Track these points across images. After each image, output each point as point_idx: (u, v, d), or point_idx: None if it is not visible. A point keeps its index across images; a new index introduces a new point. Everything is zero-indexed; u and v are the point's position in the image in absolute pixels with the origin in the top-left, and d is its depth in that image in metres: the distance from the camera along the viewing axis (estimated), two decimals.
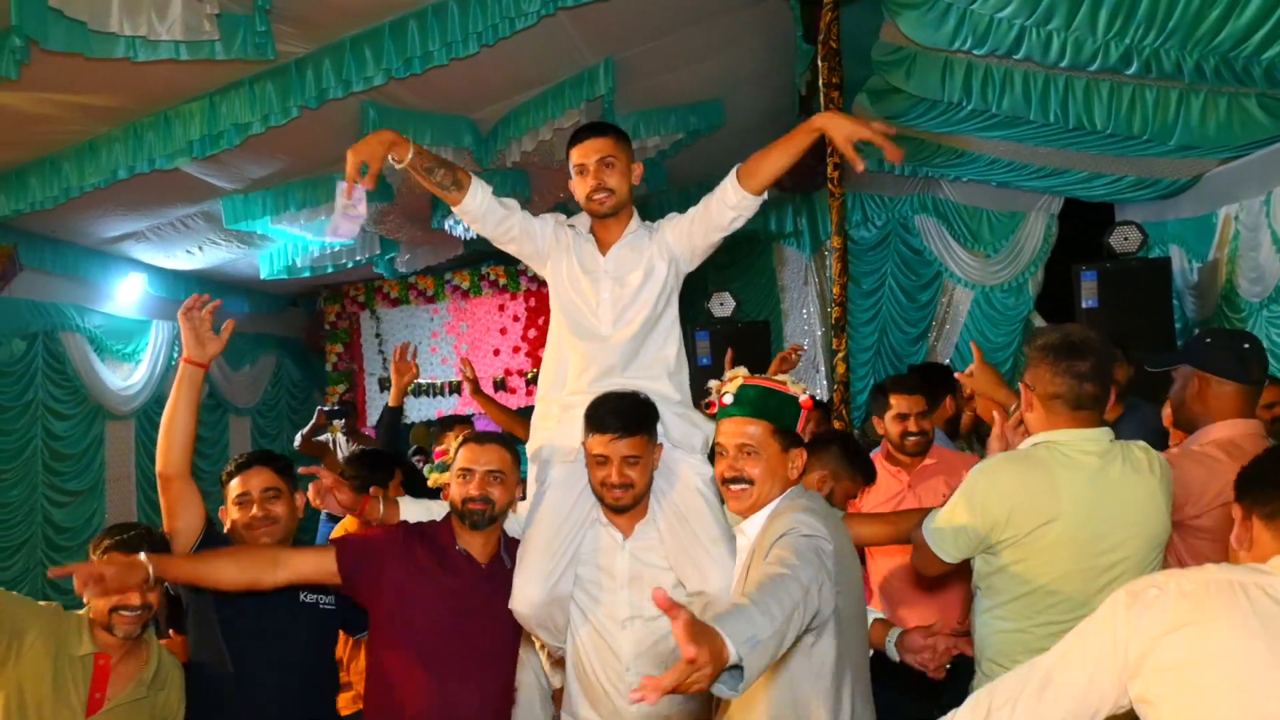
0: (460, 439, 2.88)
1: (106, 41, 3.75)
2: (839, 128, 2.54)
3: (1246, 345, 2.84)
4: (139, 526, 2.75)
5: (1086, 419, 2.44)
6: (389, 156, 2.65)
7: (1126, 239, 6.46)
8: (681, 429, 2.77)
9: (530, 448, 2.89)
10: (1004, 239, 8.35)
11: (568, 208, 7.72)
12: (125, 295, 7.20)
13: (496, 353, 9.62)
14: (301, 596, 2.79)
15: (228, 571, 2.54)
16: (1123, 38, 4.81)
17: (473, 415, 9.45)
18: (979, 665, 2.58)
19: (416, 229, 7.43)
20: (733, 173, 2.69)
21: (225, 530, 2.87)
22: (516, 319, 9.63)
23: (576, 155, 2.80)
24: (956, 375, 3.31)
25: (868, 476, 3.58)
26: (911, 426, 3.77)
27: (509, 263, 9.41)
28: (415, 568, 2.68)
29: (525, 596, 2.65)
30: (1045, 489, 2.39)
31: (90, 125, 4.79)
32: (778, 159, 2.63)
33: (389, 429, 4.67)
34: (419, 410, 9.57)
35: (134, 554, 2.41)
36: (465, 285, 9.67)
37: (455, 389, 9.61)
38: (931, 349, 8.88)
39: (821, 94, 5.56)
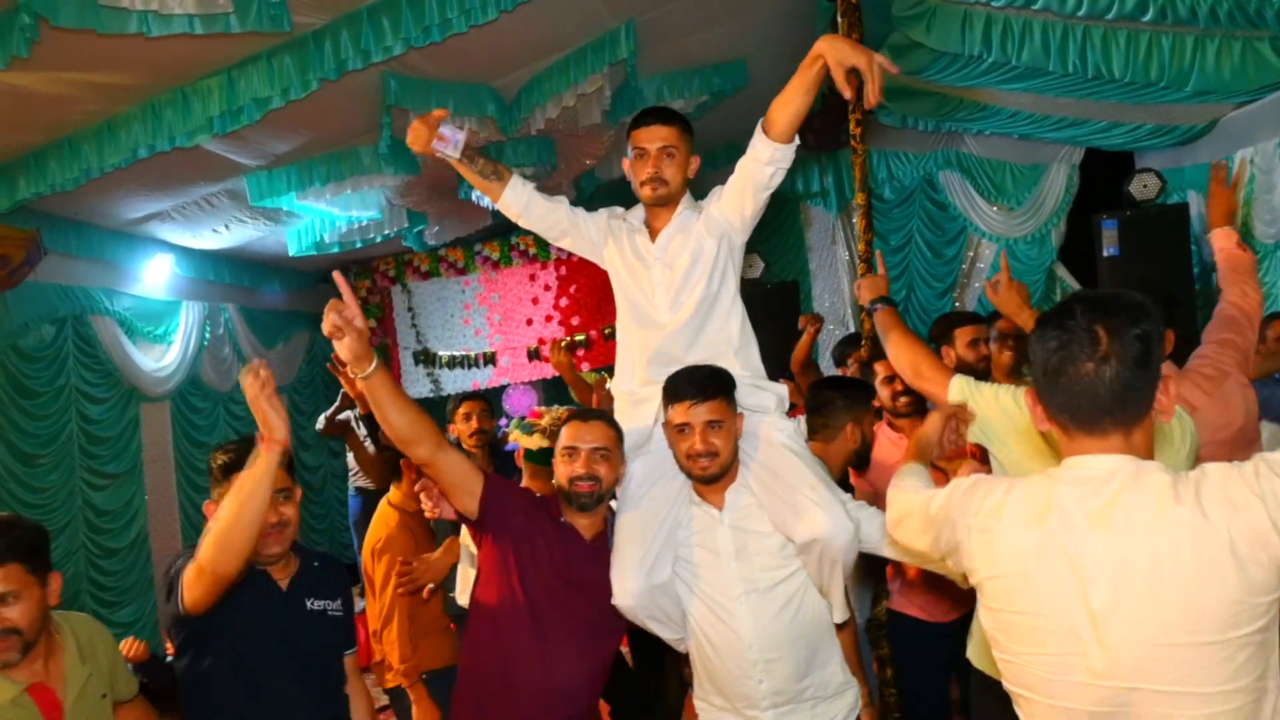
0: (565, 416, 2.90)
1: (118, 16, 3.66)
2: (832, 51, 2.42)
3: None
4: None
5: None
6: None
7: (1145, 186, 6.52)
8: (754, 396, 2.77)
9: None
10: (1027, 191, 8.42)
11: (595, 175, 7.63)
12: (153, 276, 7.17)
13: (529, 322, 9.55)
14: (308, 604, 2.68)
15: (406, 413, 2.49)
16: None
17: (506, 386, 9.45)
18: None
19: (444, 201, 7.33)
20: (758, 127, 2.66)
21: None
22: (548, 288, 9.54)
23: (639, 138, 2.81)
24: (985, 285, 3.37)
25: (869, 396, 3.62)
26: (899, 386, 3.79)
27: None
28: (534, 527, 2.72)
29: (624, 588, 2.63)
30: None
31: (107, 104, 4.71)
32: (794, 98, 2.57)
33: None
34: (454, 383, 9.56)
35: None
36: (495, 256, 9.58)
37: (490, 360, 9.58)
38: (957, 302, 8.93)
39: None
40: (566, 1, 4.87)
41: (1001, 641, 1.78)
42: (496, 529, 2.70)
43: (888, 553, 2.66)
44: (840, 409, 3.40)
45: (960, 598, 3.49)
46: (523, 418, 3.94)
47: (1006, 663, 1.78)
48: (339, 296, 2.34)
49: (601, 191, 8.06)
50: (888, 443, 3.89)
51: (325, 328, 2.35)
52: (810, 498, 2.55)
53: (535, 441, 3.69)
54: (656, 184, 2.78)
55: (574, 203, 3.01)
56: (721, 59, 6.47)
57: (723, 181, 2.82)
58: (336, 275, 2.46)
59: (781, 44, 6.71)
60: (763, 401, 2.77)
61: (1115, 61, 5.52)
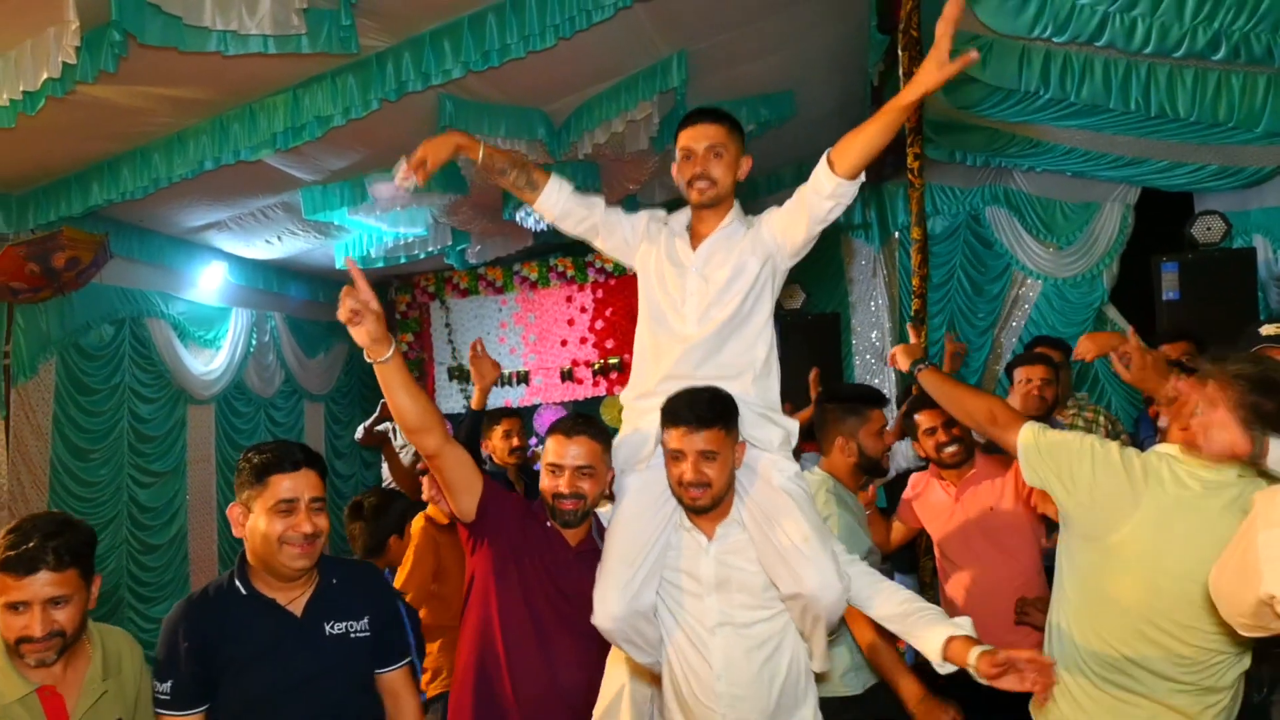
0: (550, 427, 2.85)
1: (200, 35, 3.88)
2: (926, 81, 2.30)
3: None
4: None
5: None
6: (461, 157, 2.69)
7: (1209, 229, 6.28)
8: (760, 427, 2.62)
9: (615, 449, 2.80)
10: (1078, 230, 8.13)
11: (638, 200, 7.78)
12: (207, 283, 7.42)
13: (564, 343, 9.70)
14: (327, 629, 2.44)
15: (418, 401, 2.51)
16: (1211, 22, 4.66)
17: (539, 405, 9.60)
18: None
19: (487, 220, 7.51)
20: (823, 161, 2.49)
21: (237, 535, 2.45)
22: (584, 310, 9.68)
23: (685, 138, 2.67)
24: (1116, 359, 2.95)
25: (869, 398, 3.54)
26: (942, 436, 3.73)
27: (577, 254, 9.49)
28: (527, 534, 2.72)
29: (605, 610, 2.52)
30: (1129, 491, 2.37)
31: (179, 118, 4.95)
32: (874, 139, 2.41)
33: (470, 432, 4.66)
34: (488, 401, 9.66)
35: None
36: (533, 276, 9.76)
37: (523, 379, 9.72)
38: (996, 341, 8.70)
39: (902, 83, 5.51)
40: (622, 30, 4.99)
41: None
42: (493, 533, 2.70)
43: (874, 613, 2.59)
44: (828, 424, 3.42)
45: None
46: (535, 442, 4.04)
47: None
48: (380, 307, 2.38)
49: None
50: (939, 487, 3.85)
51: (342, 314, 2.35)
52: (801, 550, 2.42)
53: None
54: (705, 183, 2.62)
55: None
56: (770, 89, 6.56)
57: (762, 211, 2.72)
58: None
59: (830, 76, 6.81)
60: (769, 436, 2.61)
61: (1181, 100, 5.31)
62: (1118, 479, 2.41)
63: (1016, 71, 5.44)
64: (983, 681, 2.25)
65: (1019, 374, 4.39)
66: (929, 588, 4.75)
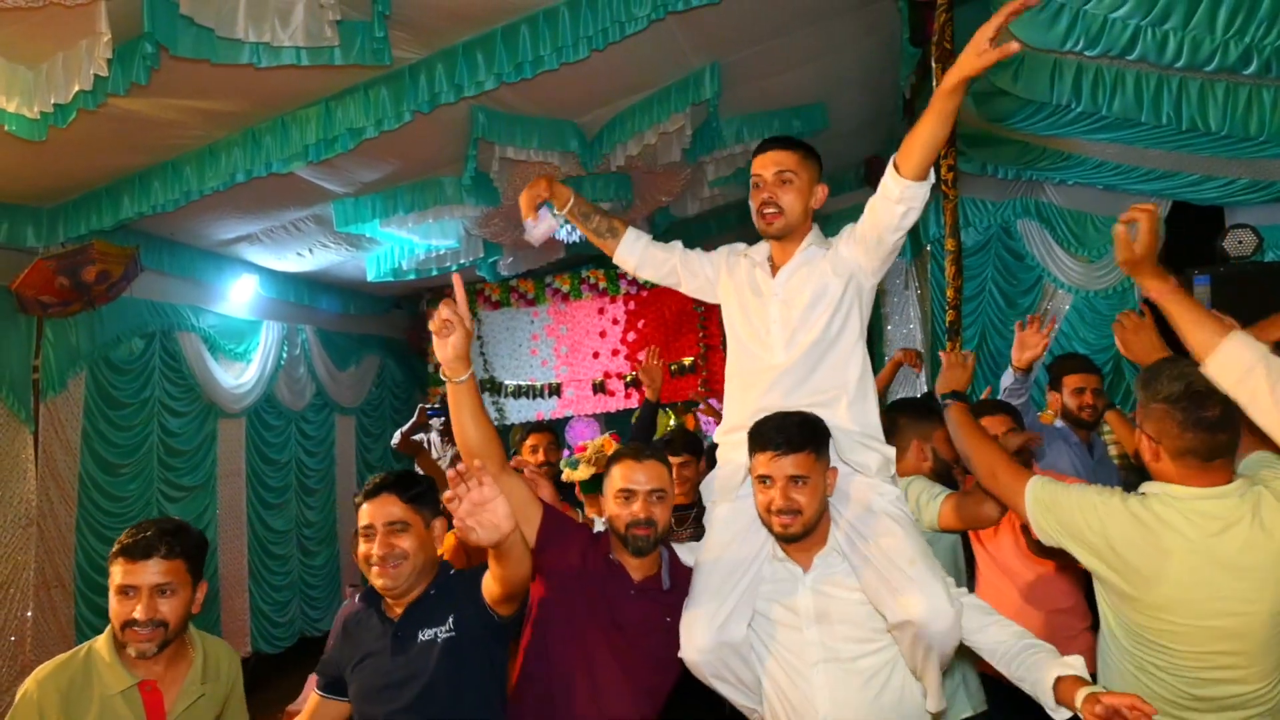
0: (607, 444, 2.87)
1: (232, 48, 3.83)
2: (965, 65, 2.31)
3: None
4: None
5: (1220, 471, 2.27)
6: (550, 201, 2.79)
7: (1241, 242, 6.30)
8: (856, 452, 2.56)
9: (703, 485, 2.80)
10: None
11: (670, 212, 7.72)
12: (238, 296, 7.39)
13: (596, 355, 9.62)
14: (420, 636, 2.51)
15: (483, 427, 2.55)
16: (1243, 36, 4.65)
17: (570, 417, 9.53)
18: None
19: (520, 233, 7.45)
20: (889, 167, 2.47)
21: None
22: (616, 322, 9.61)
23: (755, 165, 2.68)
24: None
25: (936, 414, 3.49)
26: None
27: (609, 266, 9.41)
28: (586, 564, 2.66)
29: (692, 642, 2.45)
30: (1153, 549, 2.26)
31: (211, 130, 4.91)
32: (930, 130, 2.37)
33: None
34: (518, 412, 9.64)
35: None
36: (565, 288, 9.70)
37: (555, 391, 9.65)
38: None
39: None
40: (655, 42, 4.95)
41: None
42: (553, 562, 2.64)
43: (982, 646, 2.47)
44: (904, 428, 3.36)
45: None
46: (569, 454, 4.02)
47: None
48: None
49: (675, 228, 8.13)
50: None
51: (434, 323, 2.36)
52: (908, 574, 2.31)
53: (584, 472, 3.75)
54: (773, 211, 2.62)
55: None
56: (802, 102, 6.53)
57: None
58: (455, 278, 2.49)
59: (861, 88, 6.78)
60: (865, 461, 2.55)
61: (1212, 114, 5.34)
62: (1133, 531, 2.30)
63: (1048, 85, 5.47)
64: None
65: (1072, 381, 4.28)
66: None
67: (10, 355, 5.61)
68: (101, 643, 2.44)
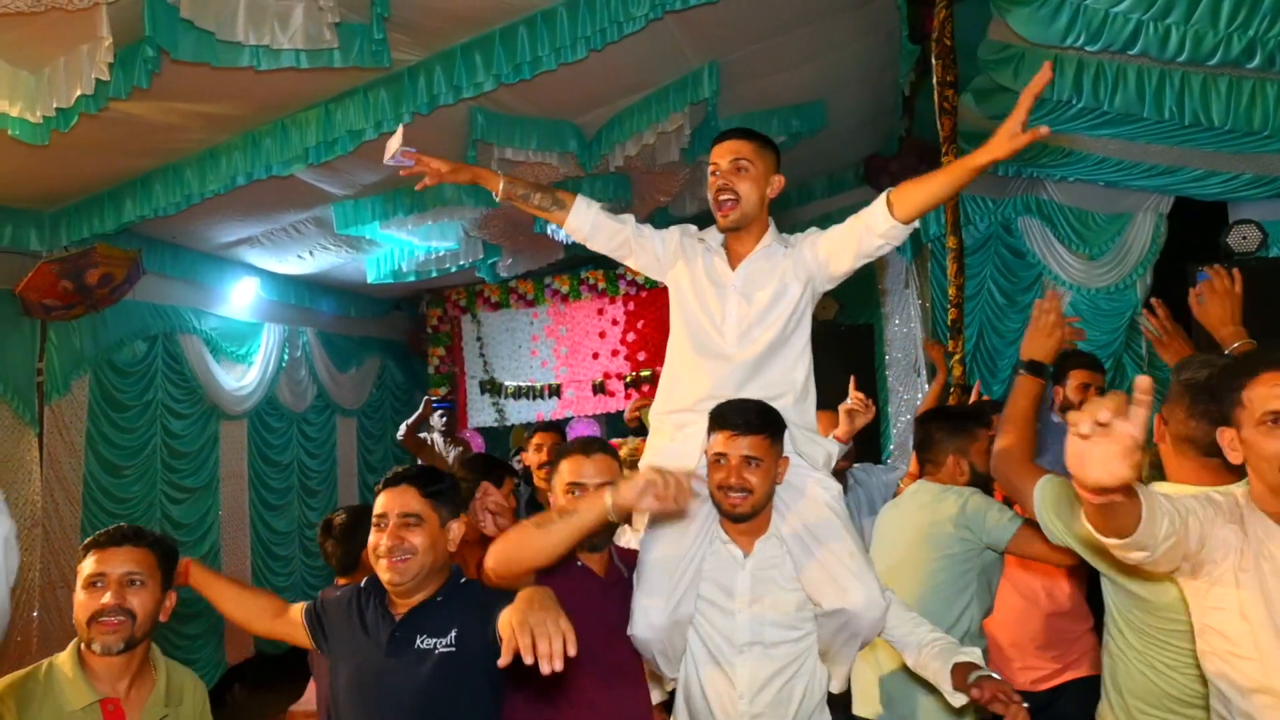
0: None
1: (232, 51, 3.86)
2: (997, 149, 2.29)
3: None
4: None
5: (1219, 471, 2.22)
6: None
7: (1245, 238, 6.16)
8: (809, 445, 2.63)
9: (642, 465, 2.67)
10: (1111, 240, 8.06)
11: (669, 212, 7.74)
12: (239, 298, 7.43)
13: (595, 356, 9.65)
14: (417, 642, 2.42)
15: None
16: (1246, 30, 4.69)
17: (570, 418, 9.56)
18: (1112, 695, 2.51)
19: (519, 234, 7.49)
20: (882, 200, 2.49)
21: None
22: (615, 322, 9.64)
23: (712, 155, 2.68)
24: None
25: (977, 417, 3.54)
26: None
27: (608, 266, 9.44)
28: (549, 578, 2.53)
29: (648, 620, 2.49)
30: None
31: (212, 133, 4.94)
32: (937, 190, 2.43)
33: None
34: (519, 413, 9.68)
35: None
36: (565, 289, 9.73)
37: (555, 392, 9.68)
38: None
39: (936, 92, 5.45)
40: (652, 42, 4.95)
41: None
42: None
43: (895, 638, 2.63)
44: (940, 442, 3.36)
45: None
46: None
47: None
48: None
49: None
50: None
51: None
52: (849, 567, 2.44)
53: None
54: (728, 198, 2.61)
55: None
56: (801, 100, 6.53)
57: (798, 222, 2.71)
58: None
59: (860, 86, 6.79)
60: (814, 454, 2.62)
61: (1215, 109, 5.33)
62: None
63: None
64: None
65: (1078, 376, 4.27)
66: None
67: (15, 358, 5.64)
68: (64, 658, 2.34)
